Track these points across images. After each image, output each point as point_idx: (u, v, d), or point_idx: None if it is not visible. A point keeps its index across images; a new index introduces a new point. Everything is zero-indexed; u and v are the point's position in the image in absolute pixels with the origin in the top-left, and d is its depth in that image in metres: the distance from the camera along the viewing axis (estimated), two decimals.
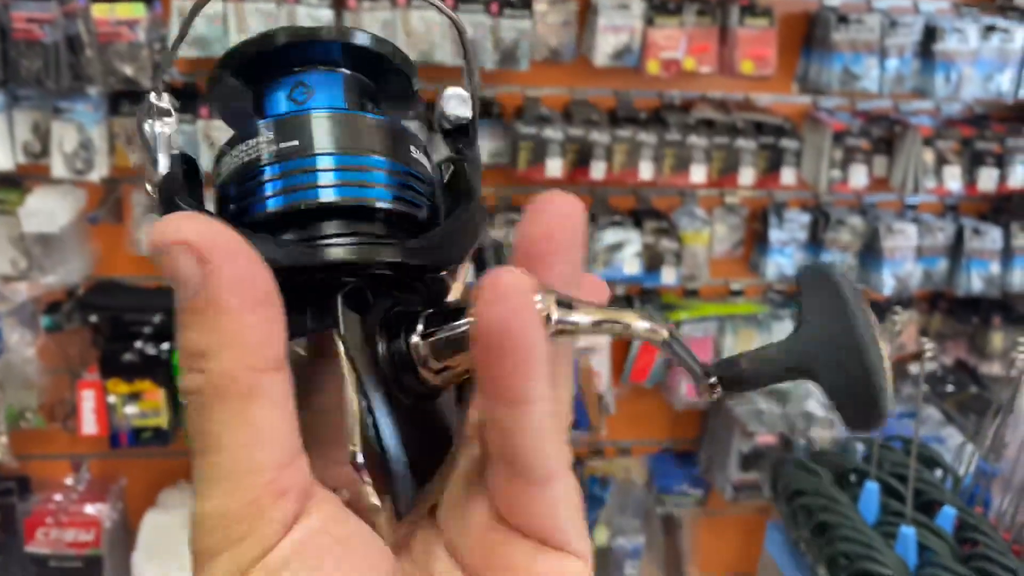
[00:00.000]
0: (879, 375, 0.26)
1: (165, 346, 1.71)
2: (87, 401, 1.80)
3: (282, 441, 0.25)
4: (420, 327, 0.27)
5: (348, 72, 0.31)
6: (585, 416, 1.92)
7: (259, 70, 0.30)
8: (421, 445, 0.28)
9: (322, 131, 0.28)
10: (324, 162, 0.27)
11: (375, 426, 0.26)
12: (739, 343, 2.06)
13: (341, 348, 0.27)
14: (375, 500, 0.27)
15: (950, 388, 2.17)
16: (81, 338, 1.89)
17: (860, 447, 0.97)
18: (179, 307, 0.24)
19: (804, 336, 0.28)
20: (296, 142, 0.28)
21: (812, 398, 2.09)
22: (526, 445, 0.25)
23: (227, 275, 0.24)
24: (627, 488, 2.17)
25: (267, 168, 0.28)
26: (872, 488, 0.85)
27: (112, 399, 1.69)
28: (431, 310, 0.28)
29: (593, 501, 2.15)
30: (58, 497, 2.00)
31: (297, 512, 0.25)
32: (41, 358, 1.88)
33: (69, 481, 2.05)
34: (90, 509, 1.98)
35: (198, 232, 0.24)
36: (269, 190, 0.28)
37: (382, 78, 0.32)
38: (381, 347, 0.27)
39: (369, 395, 0.26)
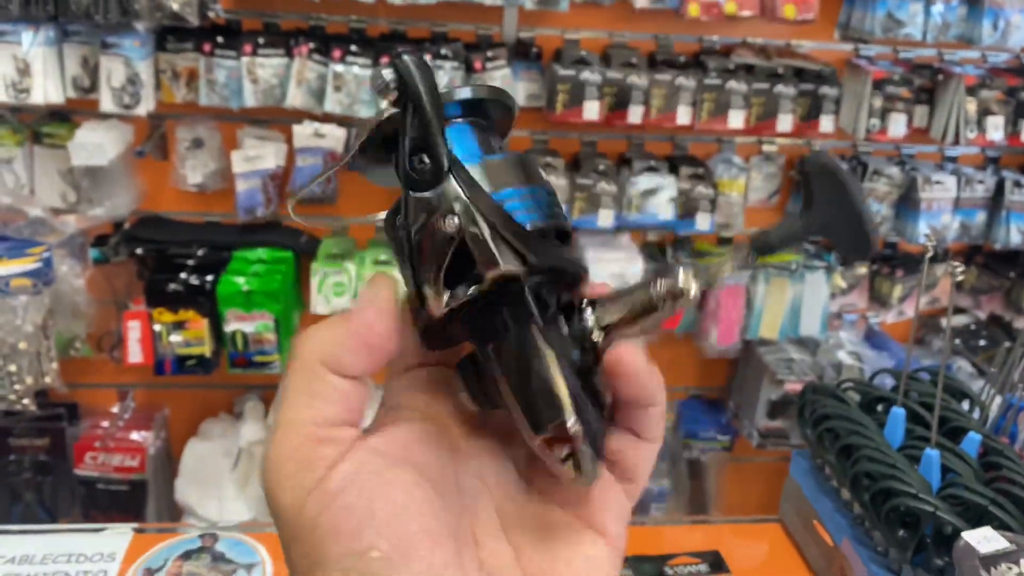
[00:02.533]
0: (871, 223, 0.38)
1: (209, 278, 1.76)
2: (133, 331, 1.86)
3: (327, 410, 0.33)
4: (590, 310, 0.36)
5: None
6: None
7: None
8: (596, 414, 0.35)
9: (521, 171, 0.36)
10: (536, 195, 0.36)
11: (576, 398, 0.33)
12: (771, 292, 2.07)
13: (538, 336, 0.34)
14: (591, 463, 0.34)
15: (983, 343, 2.17)
16: (128, 270, 1.95)
17: (888, 379, 0.98)
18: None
19: (817, 207, 0.38)
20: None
21: (842, 349, 2.10)
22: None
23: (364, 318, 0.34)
24: None
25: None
26: (898, 414, 0.87)
27: (158, 327, 1.75)
28: (586, 299, 0.36)
29: None
30: (105, 424, 2.09)
31: (337, 458, 0.32)
32: (89, 289, 1.94)
33: (115, 409, 2.13)
34: (135, 436, 2.07)
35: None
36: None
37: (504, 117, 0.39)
38: (565, 329, 0.35)
39: (567, 373, 0.33)
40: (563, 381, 0.33)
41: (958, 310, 2.20)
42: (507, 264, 0.33)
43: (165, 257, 1.84)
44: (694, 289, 0.36)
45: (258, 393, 2.15)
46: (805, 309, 2.09)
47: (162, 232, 1.91)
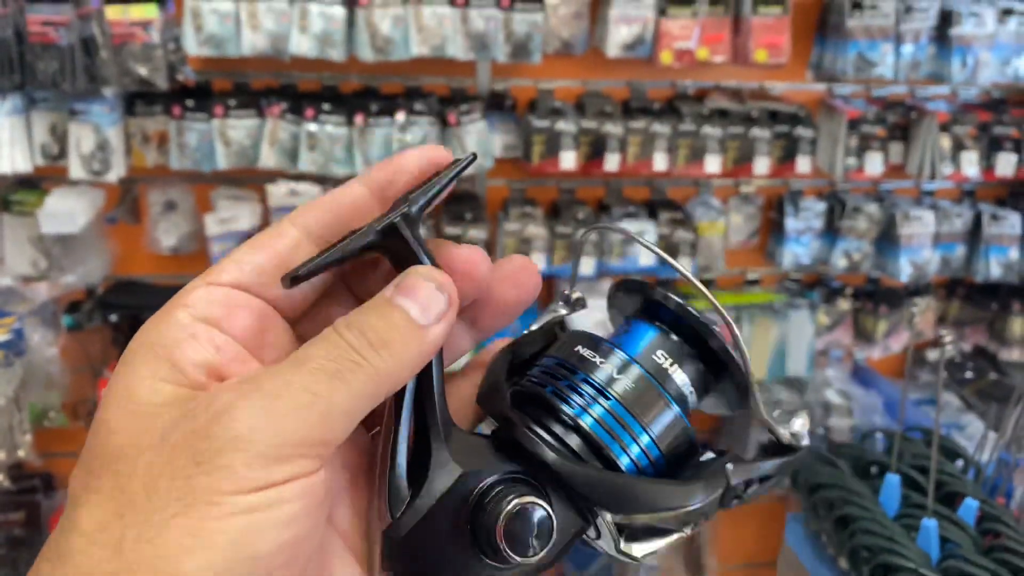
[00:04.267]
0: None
1: None
2: None
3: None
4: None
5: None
6: None
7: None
8: None
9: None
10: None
11: None
12: (756, 332, 2.05)
13: None
14: None
15: (969, 375, 2.16)
16: (102, 336, 1.91)
17: (880, 437, 0.96)
18: None
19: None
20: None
21: (830, 388, 2.08)
22: None
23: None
24: None
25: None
26: (893, 480, 0.85)
27: None
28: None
29: None
30: None
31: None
32: (63, 357, 1.90)
33: None
34: None
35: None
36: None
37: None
38: None
39: None
40: None
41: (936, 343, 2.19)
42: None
43: (140, 322, 1.78)
44: None
45: None
46: (791, 348, 2.08)
47: (136, 297, 1.87)
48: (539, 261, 1.87)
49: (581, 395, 0.34)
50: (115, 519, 0.27)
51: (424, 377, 0.32)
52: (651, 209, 1.95)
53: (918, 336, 2.20)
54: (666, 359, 0.36)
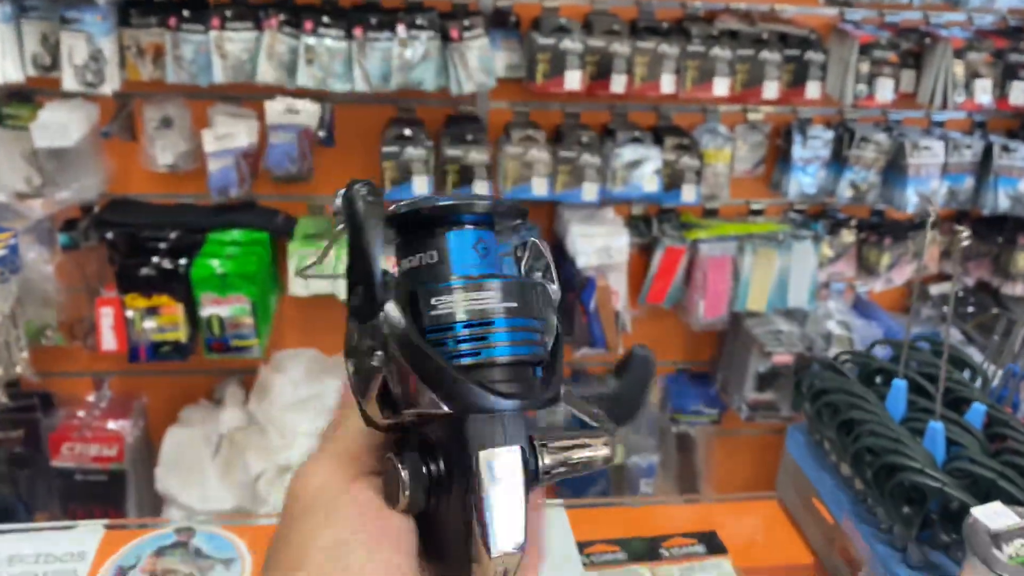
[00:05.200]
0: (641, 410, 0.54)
1: (182, 261, 1.70)
2: (106, 318, 1.80)
3: None
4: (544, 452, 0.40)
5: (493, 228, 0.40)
6: (602, 334, 1.92)
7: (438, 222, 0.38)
8: None
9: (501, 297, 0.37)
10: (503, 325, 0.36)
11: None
12: (758, 264, 2.03)
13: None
14: None
15: (971, 309, 2.15)
16: (98, 256, 1.89)
17: (886, 349, 0.95)
18: None
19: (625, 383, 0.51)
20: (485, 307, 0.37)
21: (831, 319, 2.07)
22: None
23: None
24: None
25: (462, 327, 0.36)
26: (900, 385, 0.84)
27: (130, 314, 1.69)
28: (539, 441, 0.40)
29: None
30: (81, 413, 2.03)
31: None
32: (59, 276, 1.88)
33: (91, 398, 2.08)
34: (112, 425, 2.01)
35: None
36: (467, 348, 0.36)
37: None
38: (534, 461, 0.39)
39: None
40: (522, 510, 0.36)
41: (945, 277, 2.18)
42: (426, 407, 0.35)
43: (136, 241, 1.78)
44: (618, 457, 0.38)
45: (238, 378, 2.10)
46: (793, 280, 2.06)
47: (133, 215, 1.85)
48: (541, 186, 1.84)
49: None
50: None
51: None
52: (657, 135, 1.91)
53: (922, 270, 2.18)
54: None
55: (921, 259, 2.00)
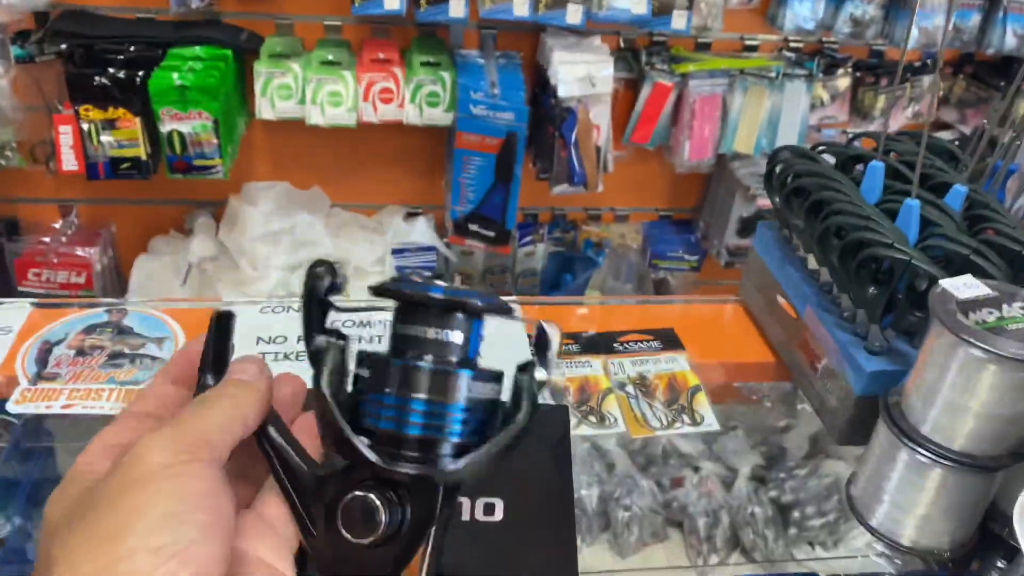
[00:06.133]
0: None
1: (140, 73, 1.61)
2: (65, 136, 1.72)
3: None
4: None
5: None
6: (582, 171, 1.85)
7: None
8: None
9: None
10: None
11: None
12: (749, 103, 1.95)
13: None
14: None
15: (967, 158, 2.08)
16: (55, 72, 1.79)
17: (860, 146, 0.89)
18: None
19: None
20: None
21: None
22: None
23: None
24: (622, 253, 2.14)
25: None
26: (877, 167, 0.78)
27: (85, 126, 1.61)
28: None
29: (587, 263, 2.13)
30: (47, 239, 1.98)
31: None
32: (15, 92, 1.79)
33: (58, 225, 2.02)
34: (80, 252, 1.97)
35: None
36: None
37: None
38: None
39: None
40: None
41: (942, 125, 2.10)
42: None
43: (93, 53, 1.68)
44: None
45: (209, 210, 2.05)
46: (783, 122, 1.98)
47: (89, 27, 1.74)
48: (522, 7, 1.73)
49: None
50: None
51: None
52: None
53: (915, 118, 2.10)
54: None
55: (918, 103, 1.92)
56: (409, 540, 0.39)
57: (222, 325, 0.43)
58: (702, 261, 2.15)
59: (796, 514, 1.24)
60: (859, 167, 0.85)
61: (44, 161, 1.87)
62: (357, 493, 0.39)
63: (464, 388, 0.40)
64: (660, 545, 1.02)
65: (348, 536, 0.39)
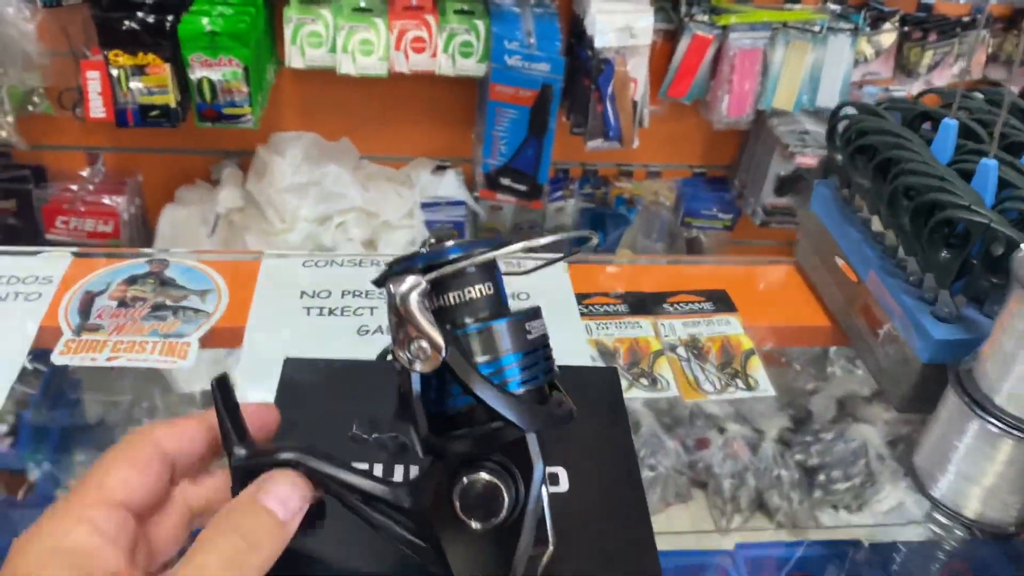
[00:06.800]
0: None
1: (169, 17, 1.57)
2: (93, 82, 1.69)
3: None
4: None
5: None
6: (617, 125, 1.81)
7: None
8: None
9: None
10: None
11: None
12: (790, 58, 1.89)
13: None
14: None
15: None
16: (82, 16, 1.76)
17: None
18: None
19: None
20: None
21: None
22: None
23: None
24: (654, 210, 2.10)
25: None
26: (950, 125, 0.74)
27: (115, 72, 1.58)
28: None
29: (618, 220, 2.09)
30: (74, 187, 1.97)
31: None
32: (41, 37, 1.77)
33: (85, 173, 2.01)
34: (107, 201, 1.96)
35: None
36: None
37: None
38: None
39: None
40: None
41: (991, 83, 2.03)
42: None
43: None
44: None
45: (235, 160, 2.03)
46: (825, 78, 1.92)
47: None
48: None
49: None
50: None
51: None
52: None
53: (963, 76, 2.03)
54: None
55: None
56: (525, 502, 0.38)
57: (224, 387, 0.42)
58: (736, 220, 2.12)
59: (822, 477, 1.23)
60: (925, 126, 0.81)
61: (71, 108, 1.85)
62: (466, 479, 0.38)
63: (525, 332, 0.40)
64: (684, 506, 1.00)
65: (474, 523, 0.38)
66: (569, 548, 0.44)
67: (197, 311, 0.79)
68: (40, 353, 0.74)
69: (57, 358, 0.72)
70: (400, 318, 0.38)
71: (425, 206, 1.98)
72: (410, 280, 0.38)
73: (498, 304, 0.41)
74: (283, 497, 0.38)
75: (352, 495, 0.40)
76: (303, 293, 0.82)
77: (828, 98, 1.92)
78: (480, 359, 0.39)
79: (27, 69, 1.79)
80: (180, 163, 2.03)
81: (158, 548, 0.41)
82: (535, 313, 0.41)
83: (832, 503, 1.25)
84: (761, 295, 0.88)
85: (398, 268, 0.40)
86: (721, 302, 0.86)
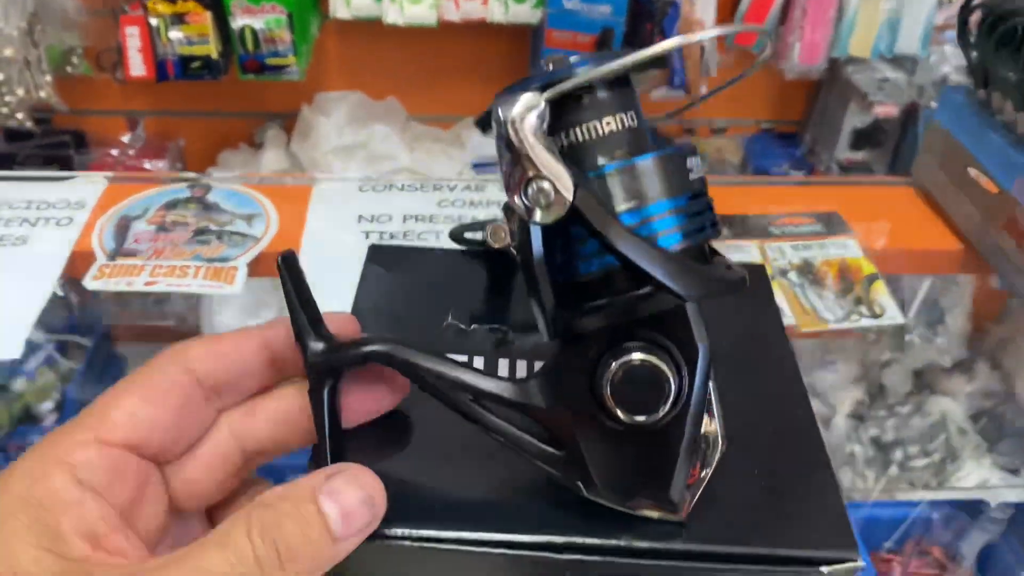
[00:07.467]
0: None
1: None
2: (132, 39, 1.63)
3: None
4: None
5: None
6: (683, 72, 1.70)
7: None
8: None
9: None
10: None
11: None
12: (867, 1, 1.76)
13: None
14: None
15: None
16: None
17: None
18: None
19: None
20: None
21: (947, 64, 1.81)
22: None
23: None
24: (720, 168, 1.98)
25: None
26: None
27: (154, 21, 1.52)
28: None
29: None
30: (115, 152, 1.92)
31: None
32: None
33: (126, 139, 1.96)
34: (148, 165, 1.90)
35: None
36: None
37: None
38: None
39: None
40: None
41: None
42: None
43: None
44: None
45: (279, 122, 1.96)
46: (905, 22, 1.78)
47: None
48: None
49: None
50: None
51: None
52: None
53: None
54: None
55: None
56: (690, 391, 0.30)
57: (292, 266, 0.33)
58: (808, 176, 1.99)
59: (899, 454, 1.11)
60: None
61: (111, 69, 1.79)
62: (614, 363, 0.29)
63: (685, 171, 0.31)
64: None
65: (631, 417, 0.29)
66: (738, 449, 0.34)
67: (244, 235, 0.71)
68: (71, 281, 0.66)
69: (90, 283, 0.64)
70: (513, 152, 0.29)
71: (476, 166, 1.89)
72: (525, 99, 0.29)
73: (642, 138, 0.31)
74: (349, 508, 0.28)
75: (461, 394, 0.31)
76: (360, 217, 0.74)
77: (908, 44, 1.79)
78: (622, 206, 0.30)
79: (65, 27, 1.74)
80: (222, 126, 1.97)
81: (184, 499, 0.32)
82: (692, 149, 0.32)
83: (909, 480, 1.14)
84: (878, 216, 0.77)
85: (508, 92, 0.30)
86: (834, 224, 0.75)
